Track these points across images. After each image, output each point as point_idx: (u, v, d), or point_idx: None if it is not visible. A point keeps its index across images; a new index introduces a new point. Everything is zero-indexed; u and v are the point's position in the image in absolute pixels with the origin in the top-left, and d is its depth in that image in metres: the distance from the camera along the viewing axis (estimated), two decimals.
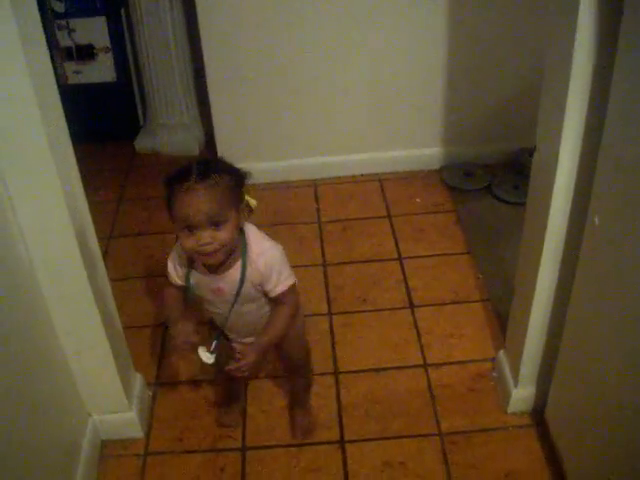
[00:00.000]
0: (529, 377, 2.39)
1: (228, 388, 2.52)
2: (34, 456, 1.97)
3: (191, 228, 1.82)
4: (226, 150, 3.67)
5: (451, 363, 2.66)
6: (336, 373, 2.65)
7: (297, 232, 3.39)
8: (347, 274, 3.10)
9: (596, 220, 1.80)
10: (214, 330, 2.20)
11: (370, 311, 2.91)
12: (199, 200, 1.79)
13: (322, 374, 2.64)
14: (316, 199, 3.59)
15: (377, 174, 3.71)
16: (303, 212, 3.52)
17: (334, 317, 2.88)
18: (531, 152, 2.10)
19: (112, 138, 4.20)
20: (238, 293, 1.99)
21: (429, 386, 2.57)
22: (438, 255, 3.18)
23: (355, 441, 2.41)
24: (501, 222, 3.31)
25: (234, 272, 1.96)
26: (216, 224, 1.82)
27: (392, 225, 3.37)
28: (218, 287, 2.00)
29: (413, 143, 3.67)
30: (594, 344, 1.92)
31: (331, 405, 2.53)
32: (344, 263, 3.17)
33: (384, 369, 2.65)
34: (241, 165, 3.57)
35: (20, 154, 1.83)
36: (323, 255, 3.22)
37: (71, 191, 1.98)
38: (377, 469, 2.31)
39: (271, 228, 3.30)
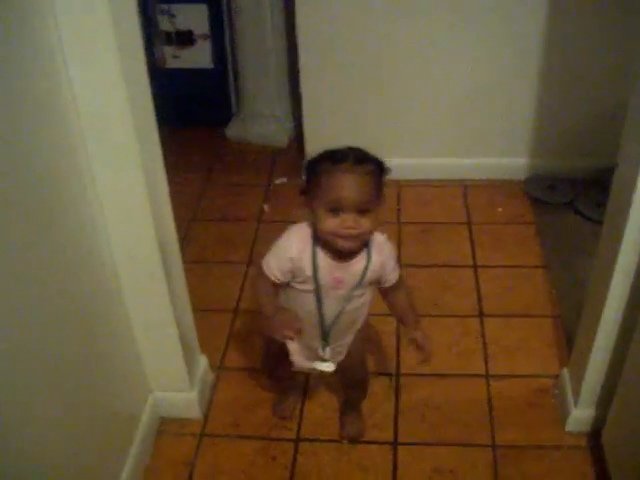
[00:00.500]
0: (590, 398, 2.35)
1: (288, 380, 2.51)
2: (95, 424, 2.03)
3: (337, 210, 1.82)
4: (313, 145, 3.69)
5: (514, 376, 2.63)
6: (397, 375, 2.65)
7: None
8: (421, 276, 3.10)
9: None
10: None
11: (439, 316, 2.90)
12: (354, 183, 1.81)
13: (383, 374, 2.66)
14: (398, 200, 3.59)
15: (461, 180, 3.69)
16: (384, 212, 3.51)
17: None
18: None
19: (204, 124, 4.27)
20: (360, 284, 1.99)
21: (488, 397, 2.56)
22: (514, 266, 3.15)
23: (407, 444, 2.41)
24: (581, 239, 3.26)
25: (357, 262, 1.96)
26: (363, 211, 1.82)
27: (471, 232, 3.35)
28: (337, 277, 1.97)
29: (499, 152, 3.64)
30: None
31: (388, 406, 2.54)
32: (419, 266, 3.17)
33: (446, 375, 2.65)
34: None
35: (106, 134, 1.87)
36: (399, 256, 3.21)
37: (152, 173, 2.02)
38: (426, 475, 2.31)
39: None
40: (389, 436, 2.44)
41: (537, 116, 3.50)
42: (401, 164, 3.58)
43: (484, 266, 3.15)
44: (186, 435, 2.47)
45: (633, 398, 2.08)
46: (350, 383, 2.41)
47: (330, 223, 1.84)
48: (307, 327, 2.05)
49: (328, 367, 2.13)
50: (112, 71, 1.76)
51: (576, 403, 2.38)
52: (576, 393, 2.38)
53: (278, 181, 3.80)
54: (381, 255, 1.99)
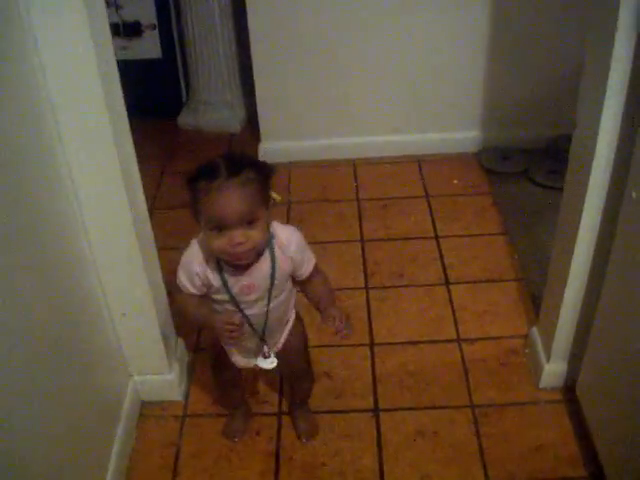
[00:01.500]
0: (561, 353, 2.41)
1: (229, 394, 2.42)
2: (78, 412, 2.02)
3: (222, 228, 1.73)
4: (268, 128, 3.72)
5: (484, 339, 2.68)
6: (372, 345, 2.69)
7: (336, 209, 3.43)
8: (384, 250, 3.14)
9: (633, 194, 1.82)
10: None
11: (406, 286, 2.94)
12: (232, 198, 1.70)
13: (358, 345, 2.69)
14: (355, 178, 3.63)
15: (415, 156, 3.73)
16: (342, 190, 3.56)
17: (371, 291, 2.92)
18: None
19: (156, 114, 4.25)
20: (272, 285, 1.91)
21: (462, 360, 2.60)
22: (474, 235, 3.20)
23: (389, 410, 2.45)
24: (537, 205, 3.32)
25: (262, 265, 1.87)
26: (249, 222, 1.73)
27: (430, 205, 3.40)
28: (247, 284, 1.89)
29: (452, 126, 3.69)
30: (629, 320, 1.94)
31: (366, 375, 2.57)
32: (382, 240, 3.21)
33: (419, 342, 2.69)
34: (282, 143, 3.65)
35: (77, 108, 1.88)
36: (361, 231, 3.26)
37: (123, 148, 2.04)
38: (410, 437, 2.35)
39: (311, 204, 3.39)
40: (370, 404, 2.47)
41: (487, 89, 3.56)
42: (356, 143, 3.67)
43: (445, 236, 3.19)
44: (169, 417, 2.47)
45: (605, 349, 2.14)
46: (294, 374, 2.35)
47: (218, 242, 1.75)
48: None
49: (271, 363, 2.09)
50: (80, 34, 1.77)
51: (548, 359, 2.44)
52: (547, 349, 2.44)
53: None
54: (286, 252, 1.90)
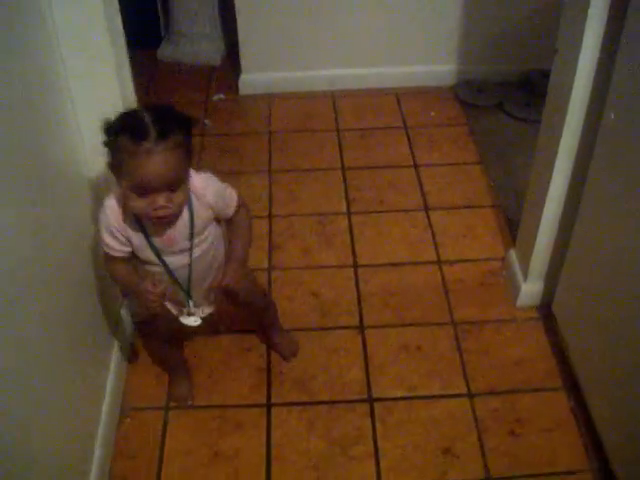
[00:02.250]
0: (538, 272, 2.50)
1: (172, 359, 2.37)
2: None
3: (144, 192, 1.66)
4: (249, 60, 3.73)
5: (463, 261, 2.77)
6: (355, 266, 2.76)
7: (317, 139, 3.47)
8: (365, 178, 3.20)
9: (612, 115, 1.88)
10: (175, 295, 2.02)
11: (387, 211, 3.01)
12: (159, 164, 1.62)
13: (342, 266, 2.76)
14: (334, 109, 3.66)
15: (393, 88, 3.76)
16: (322, 121, 3.59)
17: (353, 216, 2.98)
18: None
19: (134, 46, 4.22)
20: (192, 234, 1.85)
21: (443, 280, 2.69)
22: (451, 164, 3.26)
23: (374, 327, 2.53)
24: (512, 136, 3.39)
25: (180, 216, 1.80)
26: (173, 187, 1.68)
27: (408, 135, 3.45)
28: (168, 236, 1.83)
29: (429, 59, 3.72)
30: (604, 240, 2.02)
31: (351, 294, 2.65)
32: (362, 168, 3.26)
33: (400, 264, 2.76)
34: (263, 75, 3.66)
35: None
36: (342, 160, 3.30)
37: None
38: (395, 351, 2.44)
39: (291, 134, 3.43)
40: (355, 321, 2.55)
41: (463, 22, 3.58)
42: (336, 75, 3.70)
43: (424, 165, 3.25)
44: None
45: (580, 269, 2.22)
46: (252, 310, 2.32)
47: (139, 203, 1.68)
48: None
49: (195, 321, 2.03)
50: None
51: (525, 278, 2.53)
52: (524, 270, 2.53)
53: (216, 97, 3.82)
54: (203, 199, 1.82)
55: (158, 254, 1.86)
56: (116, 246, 1.83)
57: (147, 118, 1.64)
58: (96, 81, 2.01)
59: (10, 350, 1.55)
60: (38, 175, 1.77)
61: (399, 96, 3.72)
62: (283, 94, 3.76)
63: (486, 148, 3.34)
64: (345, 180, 3.18)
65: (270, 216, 3.01)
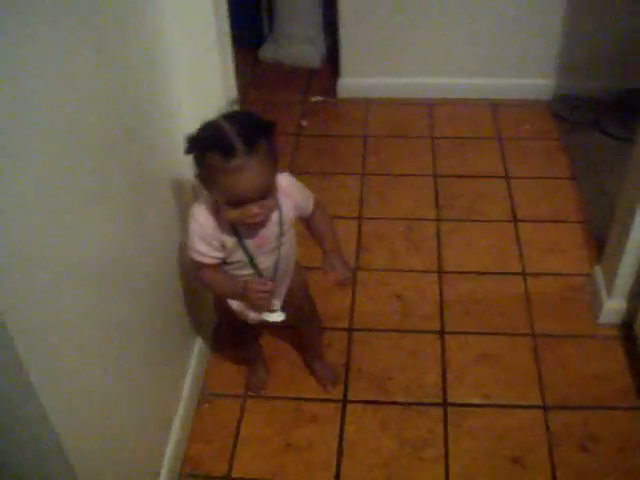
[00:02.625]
0: (622, 291, 2.48)
1: (250, 351, 2.40)
2: None
3: (238, 203, 1.68)
4: (348, 64, 3.77)
5: (548, 274, 2.75)
6: (440, 272, 2.77)
7: (411, 145, 3.49)
8: (456, 186, 3.21)
9: None
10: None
11: (475, 221, 3.02)
12: (251, 178, 1.64)
13: (427, 272, 2.78)
14: (430, 117, 3.68)
15: (489, 99, 3.76)
16: (417, 127, 3.61)
17: (441, 223, 3.00)
18: None
19: (237, 46, 4.30)
20: (281, 232, 1.88)
21: (526, 292, 2.68)
22: (542, 178, 3.25)
23: (454, 333, 2.54)
24: (605, 154, 3.35)
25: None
26: (264, 195, 1.69)
27: (501, 147, 3.44)
28: (261, 237, 1.85)
29: (526, 72, 3.70)
30: None
31: (434, 299, 2.66)
32: (453, 176, 3.27)
33: (485, 273, 2.77)
34: (363, 79, 3.69)
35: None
36: (434, 167, 3.32)
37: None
38: (473, 359, 2.45)
39: (386, 139, 3.46)
40: (436, 326, 2.56)
41: (565, 37, 3.55)
42: (432, 83, 3.70)
43: (515, 177, 3.25)
44: None
45: None
46: (301, 319, 2.27)
47: (233, 214, 1.71)
48: None
49: (279, 316, 2.02)
50: None
51: (609, 296, 2.51)
52: (608, 287, 2.51)
53: (314, 99, 3.88)
54: (290, 197, 1.85)
55: (250, 255, 1.88)
56: (209, 253, 1.83)
57: (231, 131, 1.63)
58: (200, 78, 2.08)
59: (110, 329, 1.65)
60: (142, 176, 1.86)
61: (494, 107, 3.72)
62: (380, 99, 3.79)
63: (578, 164, 3.31)
64: (436, 187, 3.20)
65: (360, 218, 3.05)
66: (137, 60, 1.81)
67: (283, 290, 2.07)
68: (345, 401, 2.34)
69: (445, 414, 2.28)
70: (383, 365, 2.45)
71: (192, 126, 1.70)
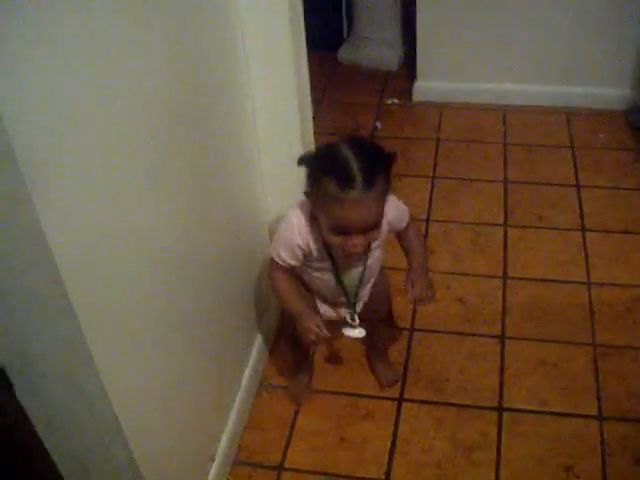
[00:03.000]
0: None
1: (299, 357, 2.40)
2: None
3: (343, 232, 1.71)
4: (425, 67, 3.77)
5: (613, 285, 2.71)
6: (505, 277, 2.76)
7: (483, 150, 3.48)
8: (526, 192, 3.18)
9: None
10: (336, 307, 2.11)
11: (543, 228, 2.99)
12: (363, 213, 1.66)
13: (492, 277, 2.77)
14: (504, 123, 3.66)
15: (564, 107, 3.71)
16: (490, 133, 3.59)
17: (509, 229, 2.98)
18: None
19: (316, 47, 4.32)
20: (369, 247, 1.87)
21: (589, 302, 2.64)
22: (614, 188, 3.20)
23: (514, 338, 2.53)
24: None
25: None
26: (371, 229, 1.72)
27: (573, 155, 3.40)
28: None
29: (602, 82, 3.64)
30: None
31: (496, 304, 2.65)
32: (524, 183, 3.25)
33: (550, 280, 2.74)
34: (438, 84, 3.69)
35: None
36: (505, 173, 3.31)
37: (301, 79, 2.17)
38: (531, 365, 2.43)
39: (459, 143, 3.46)
40: (497, 330, 2.56)
41: None
42: (507, 89, 3.69)
43: (586, 186, 3.21)
44: None
45: None
46: (377, 318, 2.27)
47: (334, 239, 1.73)
48: (330, 293, 2.05)
49: (360, 333, 2.03)
50: None
51: None
52: None
53: (389, 101, 3.89)
54: (385, 216, 1.80)
55: (336, 267, 1.92)
56: (287, 259, 1.87)
57: (354, 162, 1.63)
58: (273, 78, 2.12)
59: (174, 316, 1.71)
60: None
61: (569, 116, 3.67)
62: (455, 104, 3.78)
63: None
64: (506, 193, 3.18)
65: (428, 220, 3.05)
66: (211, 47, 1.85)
67: (365, 294, 2.10)
68: (401, 399, 2.35)
69: (500, 418, 2.28)
70: (441, 366, 2.45)
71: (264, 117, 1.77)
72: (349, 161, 1.63)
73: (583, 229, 2.97)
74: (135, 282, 1.50)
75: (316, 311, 2.04)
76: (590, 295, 2.68)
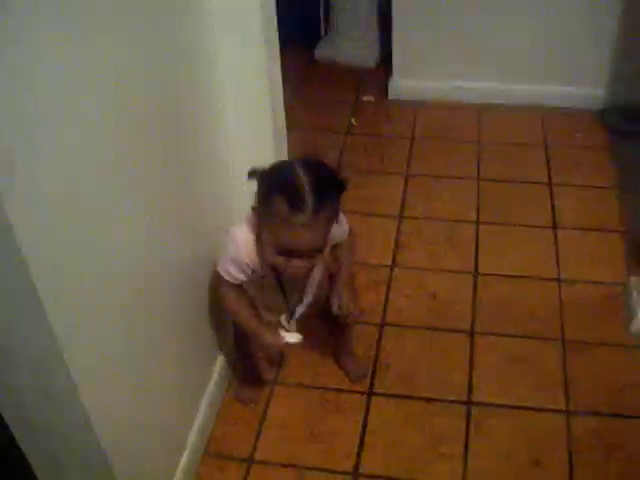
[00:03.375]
0: None
1: (258, 367, 2.36)
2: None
3: (287, 254, 1.68)
4: (401, 65, 3.77)
5: (584, 282, 2.72)
6: (476, 274, 2.76)
7: (457, 148, 3.49)
8: (498, 190, 3.19)
9: None
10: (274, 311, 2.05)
11: (515, 225, 2.99)
12: (309, 236, 1.64)
13: (463, 272, 2.78)
14: (479, 121, 3.66)
15: (539, 106, 3.71)
16: (465, 131, 3.59)
17: (481, 226, 2.98)
18: None
19: (293, 44, 4.33)
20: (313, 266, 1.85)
21: (559, 298, 2.65)
22: (587, 187, 3.21)
23: (484, 334, 2.53)
24: None
25: None
26: (316, 252, 1.71)
27: (547, 154, 3.41)
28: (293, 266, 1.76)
29: (578, 81, 3.65)
30: None
31: (467, 300, 2.66)
32: (497, 181, 3.25)
33: (520, 277, 2.75)
34: (414, 82, 3.68)
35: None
36: (478, 171, 3.31)
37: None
38: (501, 360, 2.43)
39: (433, 141, 3.46)
40: (467, 326, 2.56)
41: (618, 47, 3.51)
42: (482, 87, 3.69)
43: (559, 184, 3.21)
44: None
45: None
46: (338, 323, 2.18)
47: (276, 259, 1.71)
48: (275, 305, 2.02)
49: (297, 338, 1.94)
50: None
51: None
52: None
53: (365, 98, 3.89)
54: (333, 229, 1.79)
55: (281, 282, 1.91)
56: (235, 274, 1.85)
57: (306, 185, 1.59)
58: (246, 72, 2.08)
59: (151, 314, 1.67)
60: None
61: (544, 115, 3.67)
62: (430, 102, 3.78)
63: (626, 175, 3.26)
64: (478, 191, 3.18)
65: (400, 217, 3.05)
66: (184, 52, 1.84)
67: (307, 302, 2.05)
68: (371, 393, 2.35)
69: (468, 412, 2.28)
70: (411, 361, 2.45)
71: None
72: (302, 183, 1.60)
73: (554, 227, 2.98)
74: (102, 281, 1.48)
75: (269, 324, 2.00)
76: (560, 292, 2.68)
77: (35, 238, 1.18)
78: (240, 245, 1.80)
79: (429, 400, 2.32)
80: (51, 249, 1.24)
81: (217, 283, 1.94)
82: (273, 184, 1.65)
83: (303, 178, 1.60)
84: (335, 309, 1.98)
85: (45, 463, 1.62)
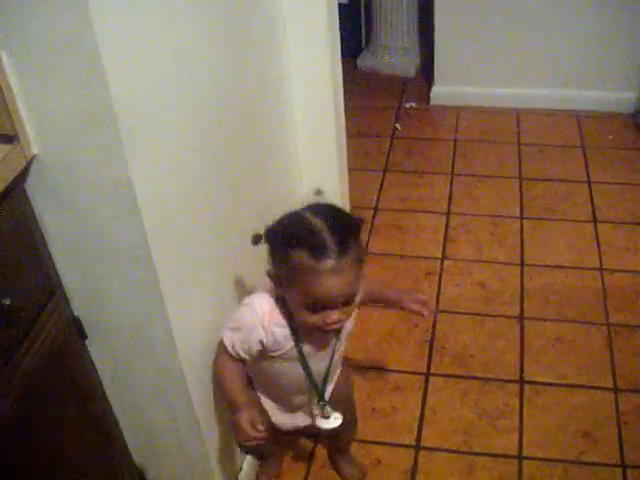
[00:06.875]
0: None
1: (272, 445, 2.04)
2: None
3: (318, 308, 1.48)
4: (442, 73, 3.86)
5: (624, 271, 2.80)
6: (522, 264, 2.84)
7: (498, 150, 3.56)
8: (539, 188, 3.26)
9: None
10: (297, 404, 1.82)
11: (557, 220, 3.07)
12: (340, 283, 1.43)
13: (510, 264, 2.86)
14: (518, 124, 3.73)
15: (574, 110, 3.77)
16: (505, 134, 3.67)
17: (525, 221, 3.06)
18: None
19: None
20: (339, 339, 1.69)
21: (602, 286, 2.72)
22: (623, 184, 3.27)
23: (532, 319, 2.61)
24: None
25: None
26: (349, 301, 1.50)
27: (584, 154, 3.48)
28: (320, 342, 1.65)
29: (612, 85, 3.71)
30: None
31: (515, 288, 2.74)
32: (538, 179, 3.32)
33: (564, 267, 2.83)
34: (455, 88, 3.76)
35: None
36: (520, 170, 3.38)
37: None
38: (549, 342, 2.51)
39: (475, 144, 3.54)
40: (516, 312, 2.64)
41: None
42: (521, 93, 3.76)
43: (597, 182, 3.28)
44: None
45: None
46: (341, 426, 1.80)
47: (312, 318, 1.49)
48: (290, 392, 1.78)
49: (336, 419, 1.75)
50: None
51: None
52: None
53: (408, 105, 3.97)
54: (363, 285, 1.60)
55: (304, 357, 1.65)
56: (240, 352, 1.62)
57: (322, 228, 1.43)
58: (312, 83, 2.26)
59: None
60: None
61: (579, 118, 3.74)
62: (470, 107, 3.85)
63: None
64: (521, 188, 3.26)
65: (448, 213, 3.14)
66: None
67: (334, 378, 1.84)
68: (428, 374, 2.43)
69: (521, 390, 2.35)
70: (465, 345, 2.53)
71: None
72: (317, 228, 1.44)
73: (594, 221, 3.05)
74: (205, 236, 1.58)
75: (260, 411, 1.73)
76: (603, 280, 2.75)
77: (150, 195, 1.27)
78: (256, 320, 1.58)
79: (483, 379, 2.40)
80: (159, 197, 1.33)
81: (218, 350, 1.68)
82: (287, 239, 1.46)
83: (317, 223, 1.45)
84: (413, 306, 1.83)
85: (132, 420, 1.70)
